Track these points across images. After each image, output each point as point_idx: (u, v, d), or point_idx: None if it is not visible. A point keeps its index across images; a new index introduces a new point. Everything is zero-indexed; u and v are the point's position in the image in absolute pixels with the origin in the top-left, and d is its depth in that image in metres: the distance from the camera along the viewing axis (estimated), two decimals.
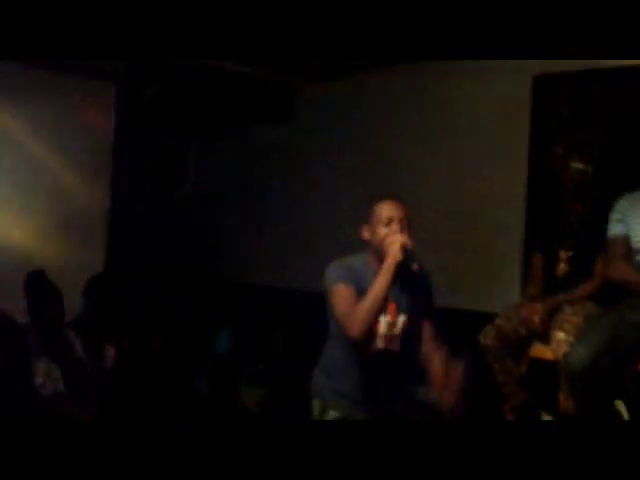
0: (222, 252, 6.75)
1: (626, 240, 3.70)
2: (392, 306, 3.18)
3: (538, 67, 4.62)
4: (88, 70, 5.58)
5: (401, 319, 3.21)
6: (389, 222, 3.21)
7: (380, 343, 3.17)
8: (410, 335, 3.25)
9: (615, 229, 3.75)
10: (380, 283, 3.10)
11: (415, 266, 3.14)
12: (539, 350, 3.91)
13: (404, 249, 3.11)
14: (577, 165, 4.01)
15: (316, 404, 3.29)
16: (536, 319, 3.83)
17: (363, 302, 3.10)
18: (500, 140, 4.89)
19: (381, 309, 3.13)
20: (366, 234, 3.30)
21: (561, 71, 4.54)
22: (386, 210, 3.24)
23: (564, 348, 3.61)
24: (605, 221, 3.85)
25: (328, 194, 5.99)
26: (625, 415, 3.75)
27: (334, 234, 5.67)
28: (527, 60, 4.57)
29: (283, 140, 6.36)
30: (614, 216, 3.77)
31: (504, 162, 4.88)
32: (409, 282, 3.22)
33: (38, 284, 4.31)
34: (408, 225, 3.23)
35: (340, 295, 3.17)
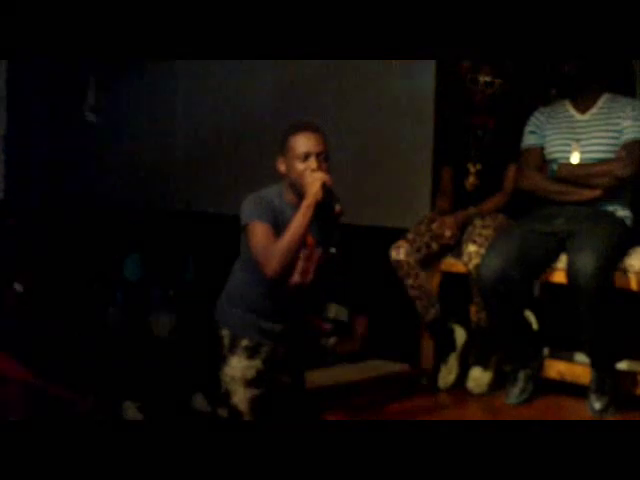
0: (129, 179, 6.58)
1: (540, 151, 3.75)
2: (310, 239, 3.10)
3: None
4: None
5: (317, 252, 3.16)
6: (307, 157, 3.07)
7: (297, 277, 3.11)
8: (321, 267, 3.20)
9: (530, 140, 3.81)
10: (299, 222, 2.98)
11: (338, 207, 3.05)
12: (450, 264, 3.92)
13: (324, 187, 3.00)
14: (485, 78, 3.99)
15: (225, 334, 3.22)
16: (447, 233, 3.82)
17: (281, 240, 2.99)
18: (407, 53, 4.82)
19: (300, 247, 3.04)
20: (282, 167, 3.16)
21: None
22: (303, 144, 3.08)
23: (475, 260, 3.63)
24: (513, 134, 3.90)
25: (241, 114, 5.85)
26: (535, 325, 3.81)
27: (246, 156, 5.59)
28: None
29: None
30: (529, 128, 3.83)
31: (411, 76, 4.82)
32: (325, 217, 3.11)
33: None
34: (326, 158, 3.11)
35: (257, 232, 3.04)
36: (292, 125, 3.19)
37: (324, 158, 3.09)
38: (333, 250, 3.26)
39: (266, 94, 5.58)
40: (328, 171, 3.07)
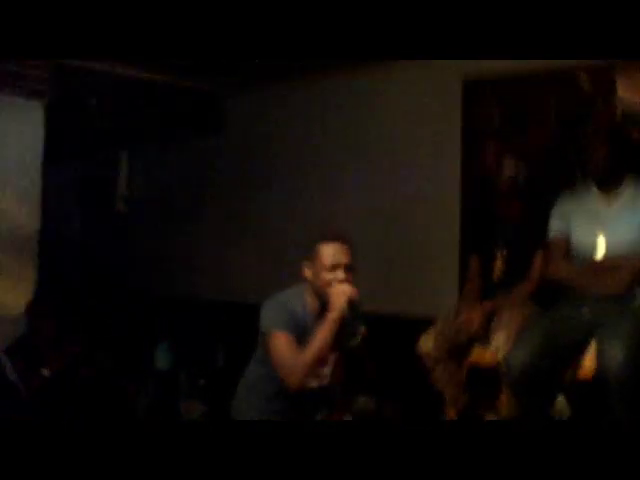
0: (160, 268, 6.64)
1: (566, 239, 3.73)
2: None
3: (469, 70, 4.63)
4: (16, 88, 5.45)
5: (332, 357, 3.14)
6: (334, 268, 3.08)
7: (313, 382, 3.11)
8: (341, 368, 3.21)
9: (556, 228, 3.78)
10: (323, 336, 2.98)
11: (362, 330, 3.06)
12: (479, 353, 3.89)
13: (350, 302, 3.00)
14: (510, 166, 4.03)
15: None
16: (475, 322, 3.82)
17: (304, 354, 2.97)
18: (433, 142, 4.87)
19: (322, 360, 3.04)
20: (308, 273, 3.16)
21: (492, 75, 4.54)
22: (331, 255, 3.09)
23: (504, 350, 3.61)
24: (540, 221, 3.89)
25: (263, 203, 5.92)
26: (567, 412, 3.76)
27: (269, 244, 5.64)
28: (459, 62, 4.59)
29: (214, 152, 6.28)
30: (555, 215, 3.81)
31: (437, 164, 4.86)
32: (345, 325, 3.09)
33: None
34: (352, 269, 3.11)
35: (279, 343, 3.03)
36: (322, 233, 3.22)
37: (350, 269, 3.10)
38: (358, 337, 3.22)
39: (290, 193, 5.66)
40: (353, 283, 3.06)
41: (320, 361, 3.03)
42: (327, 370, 3.14)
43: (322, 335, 2.98)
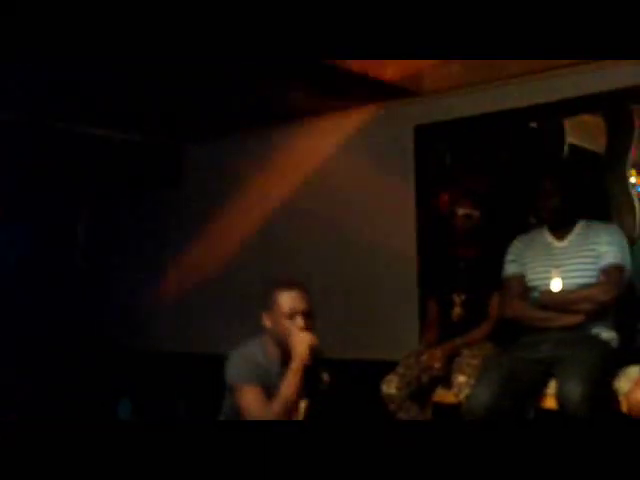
0: (124, 321, 6.58)
1: (521, 279, 3.82)
2: None
3: (419, 117, 4.72)
4: None
5: (303, 404, 3.18)
6: (293, 315, 3.14)
7: None
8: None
9: (510, 269, 3.88)
10: (290, 386, 3.05)
11: (326, 377, 3.21)
12: (442, 395, 3.92)
13: (311, 349, 3.06)
14: (463, 210, 4.10)
15: None
16: (437, 365, 3.85)
17: (273, 406, 3.05)
18: (388, 190, 4.94)
19: (291, 409, 3.09)
20: (267, 322, 3.22)
21: (442, 120, 4.63)
22: (290, 302, 3.16)
23: (466, 391, 3.65)
24: (494, 263, 3.97)
25: (223, 255, 5.93)
26: None
27: (228, 296, 5.63)
28: (409, 110, 4.68)
29: (173, 205, 6.28)
30: (509, 257, 3.91)
31: (393, 211, 4.91)
32: (310, 373, 3.16)
33: None
34: (311, 315, 3.18)
35: (249, 398, 3.10)
36: (278, 281, 3.28)
37: (310, 316, 3.17)
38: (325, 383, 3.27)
39: (250, 246, 5.69)
40: (313, 330, 3.13)
41: (289, 410, 3.08)
42: (299, 415, 3.17)
43: (288, 386, 3.05)
